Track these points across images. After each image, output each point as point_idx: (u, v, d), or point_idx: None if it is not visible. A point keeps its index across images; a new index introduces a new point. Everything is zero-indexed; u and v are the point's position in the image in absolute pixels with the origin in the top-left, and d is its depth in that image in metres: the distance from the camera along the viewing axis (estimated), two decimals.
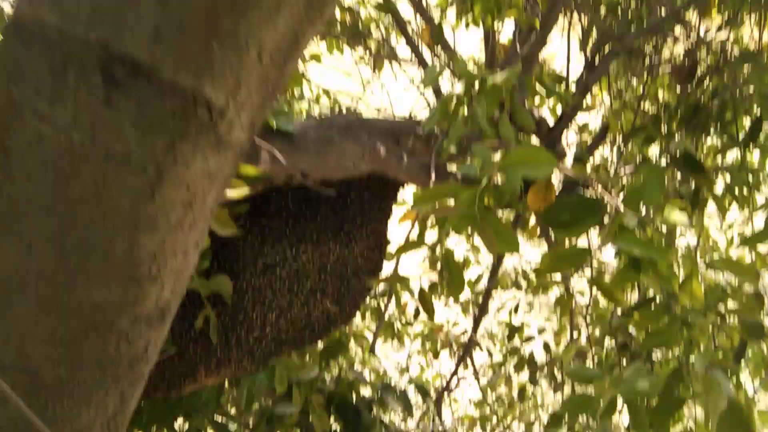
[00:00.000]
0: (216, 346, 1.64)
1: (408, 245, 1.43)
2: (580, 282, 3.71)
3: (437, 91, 2.10)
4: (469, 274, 3.53)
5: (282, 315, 1.72)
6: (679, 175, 2.49)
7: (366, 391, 2.62)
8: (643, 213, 1.57)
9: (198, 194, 0.50)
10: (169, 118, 0.43)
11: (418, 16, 2.42)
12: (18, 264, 0.49)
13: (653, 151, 2.98)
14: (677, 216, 1.63)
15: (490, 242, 1.35)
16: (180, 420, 2.24)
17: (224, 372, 1.73)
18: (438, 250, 3.19)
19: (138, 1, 0.42)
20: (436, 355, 3.87)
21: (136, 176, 0.46)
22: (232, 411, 2.52)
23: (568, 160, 2.27)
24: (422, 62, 2.21)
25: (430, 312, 1.60)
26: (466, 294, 3.77)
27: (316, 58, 2.20)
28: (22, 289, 0.50)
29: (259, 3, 0.45)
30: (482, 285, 3.49)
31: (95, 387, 0.59)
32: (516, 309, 3.76)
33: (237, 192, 1.25)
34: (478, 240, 3.43)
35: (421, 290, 1.57)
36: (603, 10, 2.11)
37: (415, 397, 3.16)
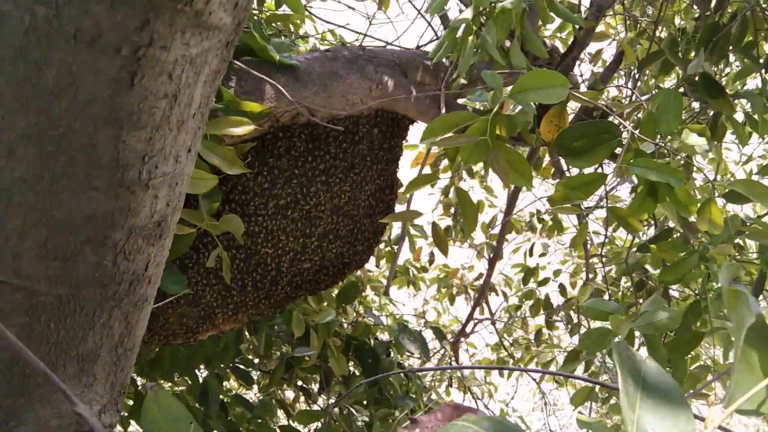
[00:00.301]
0: (233, 291, 1.64)
1: (420, 179, 1.40)
2: (593, 224, 3.69)
3: (444, 20, 2.03)
4: (482, 218, 3.51)
5: (296, 258, 1.72)
6: (697, 105, 2.42)
7: (383, 336, 2.64)
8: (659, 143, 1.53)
9: (182, 86, 0.47)
10: None
11: None
12: (1, 170, 0.47)
13: (669, 84, 2.89)
14: (696, 140, 1.59)
15: (504, 173, 1.32)
16: (201, 368, 2.28)
17: (241, 316, 1.74)
18: (451, 192, 3.17)
19: None
20: (452, 301, 3.89)
21: (111, 60, 0.42)
22: (255, 362, 2.56)
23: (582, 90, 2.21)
24: None
25: (443, 248, 1.58)
26: (480, 238, 3.76)
27: None
28: (8, 198, 0.48)
29: None
30: (496, 228, 3.47)
31: (98, 307, 0.57)
32: (531, 252, 3.75)
33: (242, 129, 1.22)
34: (491, 181, 3.40)
35: (434, 225, 1.55)
36: None
37: (432, 343, 3.19)
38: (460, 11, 1.72)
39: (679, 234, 2.04)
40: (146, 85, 0.45)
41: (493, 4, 1.53)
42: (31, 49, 0.41)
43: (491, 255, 3.16)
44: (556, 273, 3.59)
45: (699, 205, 1.50)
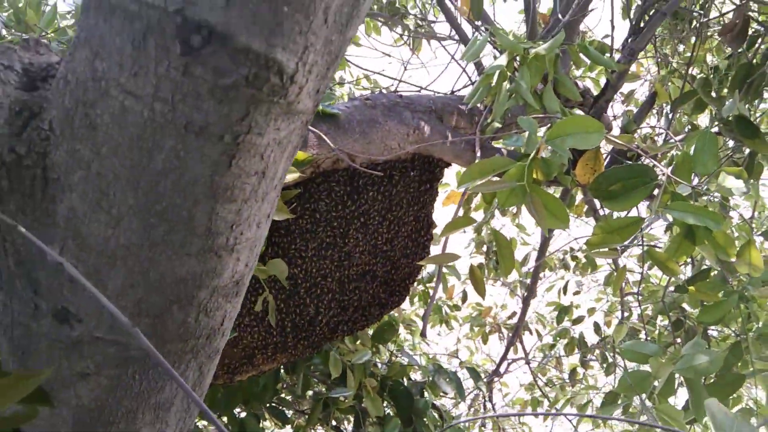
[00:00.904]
0: (272, 332, 1.68)
1: (456, 223, 1.43)
2: (628, 261, 3.65)
3: (479, 66, 2.08)
4: (515, 255, 3.50)
5: (334, 299, 1.75)
6: (731, 143, 2.41)
7: (417, 376, 2.64)
8: (695, 183, 1.53)
9: (270, 164, 0.51)
10: (243, 84, 0.45)
11: None
12: (107, 238, 0.51)
13: (703, 121, 2.89)
14: (733, 183, 1.59)
15: (541, 216, 1.34)
16: (238, 406, 2.30)
17: (280, 357, 1.77)
18: (484, 231, 3.17)
19: None
20: (485, 340, 3.86)
21: (214, 146, 0.47)
22: (288, 398, 2.57)
23: (615, 132, 2.23)
24: (462, 37, 2.19)
25: (481, 291, 1.59)
26: (513, 276, 3.74)
27: (354, 40, 2.20)
28: (112, 262, 0.53)
29: None
30: (530, 266, 3.46)
31: (177, 360, 0.61)
32: (565, 290, 3.72)
33: (289, 177, 1.27)
34: (523, 218, 3.40)
35: (472, 268, 1.57)
36: None
37: (465, 383, 3.16)
38: (495, 57, 1.77)
39: (716, 272, 2.02)
40: (242, 165, 0.50)
41: (526, 51, 1.57)
42: (146, 137, 0.46)
43: (525, 293, 3.14)
44: (591, 311, 3.55)
45: (738, 247, 1.49)
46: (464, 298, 3.52)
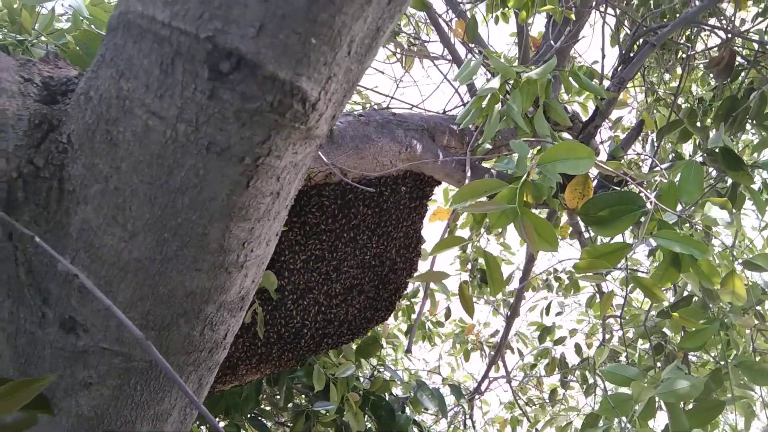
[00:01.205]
0: (257, 343, 1.67)
1: (445, 242, 1.44)
2: (611, 284, 3.69)
3: (471, 87, 2.11)
4: None
5: (321, 311, 1.75)
6: (714, 172, 2.46)
7: (398, 391, 2.63)
8: (680, 210, 1.57)
9: (285, 185, 0.53)
10: (267, 109, 0.46)
11: (449, 11, 2.44)
12: (120, 251, 0.52)
13: (687, 148, 2.95)
14: (718, 213, 1.62)
15: (532, 239, 1.36)
16: (218, 416, 2.28)
17: (264, 368, 1.77)
18: (469, 249, 3.19)
19: None
20: (467, 357, 3.87)
21: (235, 167, 0.49)
22: (267, 409, 2.56)
23: (603, 156, 2.27)
24: (455, 58, 2.22)
25: (469, 310, 1.60)
26: (497, 294, 3.77)
27: None
28: (122, 275, 0.54)
29: None
30: (514, 285, 3.49)
31: (179, 371, 0.62)
32: (547, 310, 3.74)
33: None
34: (508, 238, 3.43)
35: (462, 287, 1.58)
36: (636, 1, 2.10)
37: (446, 399, 3.16)
38: (487, 80, 1.80)
39: (697, 299, 2.05)
40: (259, 186, 0.51)
41: (519, 75, 1.60)
42: (167, 156, 0.48)
43: (508, 312, 3.16)
44: (573, 332, 3.58)
45: (722, 276, 1.52)
46: (447, 315, 3.53)
